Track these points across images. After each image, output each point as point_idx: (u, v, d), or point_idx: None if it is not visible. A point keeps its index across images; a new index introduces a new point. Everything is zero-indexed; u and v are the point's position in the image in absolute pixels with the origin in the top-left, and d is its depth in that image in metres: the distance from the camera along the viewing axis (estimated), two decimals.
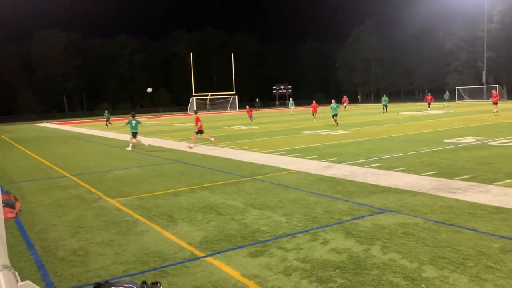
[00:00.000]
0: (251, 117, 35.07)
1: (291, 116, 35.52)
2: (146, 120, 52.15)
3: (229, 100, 76.92)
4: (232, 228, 6.43)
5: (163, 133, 27.66)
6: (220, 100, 76.28)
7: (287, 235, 5.96)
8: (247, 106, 36.88)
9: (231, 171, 11.54)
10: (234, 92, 74.25)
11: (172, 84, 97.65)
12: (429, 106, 43.00)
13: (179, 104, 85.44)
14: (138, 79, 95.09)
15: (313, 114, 33.84)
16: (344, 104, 51.25)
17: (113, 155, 17.08)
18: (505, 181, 8.57)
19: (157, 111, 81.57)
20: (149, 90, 14.35)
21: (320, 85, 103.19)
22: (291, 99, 41.64)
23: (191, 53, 70.92)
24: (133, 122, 18.75)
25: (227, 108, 76.47)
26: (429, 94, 44.61)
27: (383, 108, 38.19)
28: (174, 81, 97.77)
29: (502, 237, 5.43)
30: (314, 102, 34.04)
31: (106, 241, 6.21)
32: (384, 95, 40.79)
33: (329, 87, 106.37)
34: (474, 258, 4.81)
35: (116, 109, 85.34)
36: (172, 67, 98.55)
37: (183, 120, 46.46)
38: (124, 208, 8.07)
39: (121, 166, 13.73)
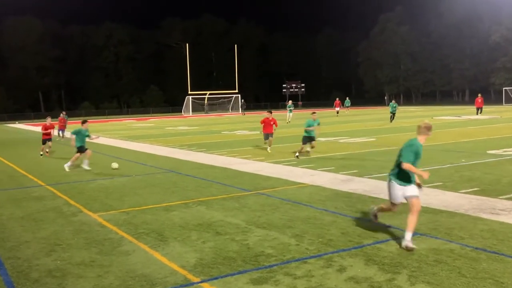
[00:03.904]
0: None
1: (302, 120, 35.67)
2: (134, 123, 52.46)
3: (231, 100, 77.18)
4: (232, 250, 6.46)
5: (154, 138, 27.82)
6: (221, 100, 76.53)
7: (296, 260, 5.98)
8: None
9: (232, 184, 11.59)
10: (237, 91, 74.54)
11: (165, 80, 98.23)
12: (479, 111, 40.19)
13: (172, 104, 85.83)
14: (126, 74, 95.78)
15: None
16: (337, 109, 50.37)
17: (96, 162, 17.16)
18: None
19: (147, 112, 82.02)
20: (114, 166, 14.40)
21: (338, 84, 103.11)
22: (290, 101, 40.52)
23: (187, 44, 71.35)
24: (82, 132, 15.21)
25: (229, 109, 76.74)
26: (480, 95, 42.47)
27: (391, 117, 34.35)
28: (167, 77, 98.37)
29: None
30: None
31: (86, 261, 6.26)
32: (393, 100, 36.59)
33: (349, 86, 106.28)
34: None
35: (100, 109, 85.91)
36: (165, 61, 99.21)
37: (177, 123, 46.69)
38: (107, 224, 8.13)
39: (105, 175, 13.82)
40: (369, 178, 11.72)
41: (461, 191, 9.72)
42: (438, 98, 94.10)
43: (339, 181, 11.47)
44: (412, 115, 43.41)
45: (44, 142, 19.83)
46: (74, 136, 15.25)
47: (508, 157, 14.46)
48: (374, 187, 10.47)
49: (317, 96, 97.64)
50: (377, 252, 6.17)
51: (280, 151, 17.95)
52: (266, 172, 13.16)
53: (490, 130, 24.82)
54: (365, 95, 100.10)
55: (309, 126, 16.38)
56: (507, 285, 5.00)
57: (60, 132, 28.73)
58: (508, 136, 21.38)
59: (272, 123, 18.04)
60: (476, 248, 6.19)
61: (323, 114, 54.23)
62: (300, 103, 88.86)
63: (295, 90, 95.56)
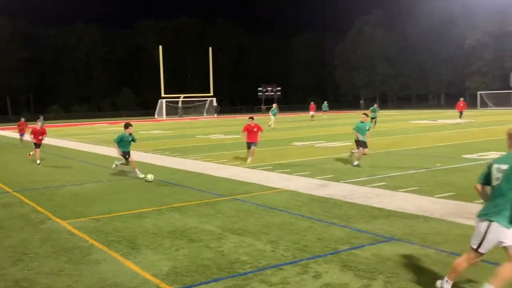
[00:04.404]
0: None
1: (277, 124, 35.83)
2: (106, 126, 51.91)
3: (206, 104, 76.99)
4: (207, 258, 6.44)
5: None
6: (196, 104, 76.26)
7: (272, 267, 5.99)
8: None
9: (207, 189, 11.57)
10: (212, 94, 74.42)
11: (138, 83, 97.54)
12: (460, 115, 39.70)
13: (146, 107, 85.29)
14: (98, 76, 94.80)
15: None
16: (312, 113, 50.20)
17: (65, 168, 16.94)
18: None
19: (119, 116, 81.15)
20: (150, 178, 12.88)
21: (315, 87, 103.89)
22: (275, 105, 40.11)
23: (160, 46, 70.96)
24: (124, 139, 14.25)
25: (204, 113, 76.52)
26: (462, 99, 42.00)
27: (372, 120, 31.61)
28: (141, 80, 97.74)
29: None
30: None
31: (55, 270, 6.17)
32: (375, 104, 35.89)
33: (325, 89, 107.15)
34: None
35: (70, 112, 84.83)
36: (139, 63, 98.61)
37: (150, 127, 46.37)
38: (77, 232, 8.03)
39: (75, 181, 13.66)
40: (345, 183, 11.83)
41: (436, 196, 9.87)
42: (414, 102, 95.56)
43: (315, 186, 11.55)
44: (389, 119, 43.97)
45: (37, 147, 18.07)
46: (116, 145, 14.01)
47: (483, 162, 14.74)
48: (350, 192, 10.58)
49: (293, 100, 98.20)
50: (353, 258, 6.22)
51: (256, 156, 17.95)
52: (242, 177, 13.17)
53: (465, 134, 25.31)
54: (341, 99, 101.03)
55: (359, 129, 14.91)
56: None
57: (21, 136, 27.60)
58: (483, 140, 21.83)
59: (255, 129, 16.24)
60: (452, 253, 6.29)
61: (298, 118, 54.59)
62: (263, 107, 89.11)
63: (271, 93, 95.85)
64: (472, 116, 45.44)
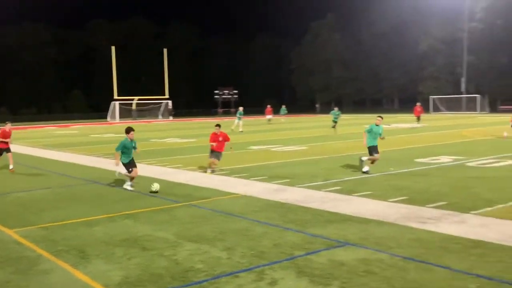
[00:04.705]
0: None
1: (238, 127, 35.83)
2: (56, 130, 50.59)
3: (161, 106, 76.24)
4: (160, 266, 6.35)
5: (77, 146, 26.93)
6: (150, 106, 75.39)
7: (227, 274, 5.97)
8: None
9: (161, 195, 11.44)
10: (167, 96, 73.75)
11: (90, 85, 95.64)
12: (418, 120, 40.23)
13: (98, 110, 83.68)
14: (47, 78, 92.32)
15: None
16: (268, 116, 50.32)
17: (11, 174, 16.39)
18: (484, 209, 9.06)
19: (70, 118, 79.33)
20: (155, 188, 11.73)
21: (271, 91, 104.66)
22: (241, 108, 39.58)
23: (113, 47, 69.82)
24: (127, 146, 12.89)
25: (158, 116, 75.73)
26: (419, 104, 42.23)
27: (333, 125, 32.30)
28: (93, 81, 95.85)
29: (479, 276, 5.72)
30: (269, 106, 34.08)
31: (1, 282, 5.99)
32: (336, 108, 34.60)
33: (282, 93, 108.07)
34: None
35: (17, 115, 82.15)
36: (90, 64, 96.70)
37: (103, 130, 45.48)
38: (24, 241, 7.78)
39: (23, 188, 13.24)
40: (300, 187, 11.93)
41: (389, 200, 10.08)
42: (368, 106, 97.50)
43: (272, 190, 11.60)
44: (344, 123, 44.63)
45: (0, 153, 16.65)
46: (119, 153, 12.60)
47: (435, 166, 15.19)
48: (306, 197, 10.67)
49: (250, 103, 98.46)
50: (309, 264, 6.27)
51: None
52: (198, 183, 13.08)
53: (417, 139, 25.99)
54: (297, 103, 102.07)
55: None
56: None
57: None
58: (435, 144, 22.47)
59: (221, 139, 14.68)
60: (405, 258, 6.43)
61: (255, 122, 54.74)
62: (220, 110, 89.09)
63: (228, 96, 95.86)
64: (425, 120, 46.70)
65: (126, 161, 12.57)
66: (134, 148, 12.85)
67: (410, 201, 9.89)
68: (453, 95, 73.24)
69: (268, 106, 52.01)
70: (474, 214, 8.73)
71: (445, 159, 16.71)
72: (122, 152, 12.60)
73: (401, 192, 10.92)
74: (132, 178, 12.56)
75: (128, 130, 12.79)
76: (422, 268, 6.04)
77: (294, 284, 5.60)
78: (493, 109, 72.17)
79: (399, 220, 8.42)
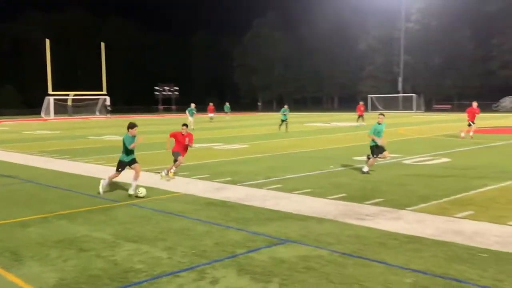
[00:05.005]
0: None
1: (174, 126, 35.45)
2: None
3: (98, 102, 74.35)
4: (98, 268, 6.23)
5: (8, 143, 25.89)
6: (87, 102, 73.35)
7: (167, 274, 5.93)
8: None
9: (99, 194, 11.18)
10: (105, 92, 72.02)
11: (23, 79, 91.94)
12: (360, 119, 39.68)
13: (31, 106, 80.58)
14: None
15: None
16: (211, 115, 49.83)
17: None
18: (419, 205, 9.43)
19: (1, 114, 75.96)
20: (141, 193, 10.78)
21: (214, 88, 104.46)
22: (193, 104, 38.64)
23: (47, 40, 67.43)
24: (129, 141, 11.61)
25: (96, 112, 73.85)
26: (362, 103, 42.58)
27: (282, 123, 31.30)
28: (25, 76, 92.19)
29: (414, 270, 5.95)
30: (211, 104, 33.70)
31: None
32: (286, 105, 33.19)
33: (225, 91, 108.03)
34: None
35: None
36: (23, 58, 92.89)
37: (36, 126, 43.90)
38: None
39: None
40: (242, 185, 11.99)
41: (329, 197, 10.31)
42: (309, 105, 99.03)
43: (213, 189, 11.59)
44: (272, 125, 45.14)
45: None
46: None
47: None
48: (247, 195, 10.74)
49: (192, 100, 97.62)
50: (250, 261, 6.33)
51: (157, 158, 17.65)
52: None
53: (356, 137, 26.67)
54: (240, 101, 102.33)
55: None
56: None
57: None
58: None
59: (187, 140, 13.23)
60: (344, 254, 6.61)
61: (197, 119, 54.39)
62: (161, 107, 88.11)
63: (169, 93, 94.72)
64: (365, 119, 47.95)
65: (130, 158, 11.44)
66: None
67: (349, 198, 10.15)
68: (390, 94, 75.64)
69: (210, 104, 51.60)
70: (410, 210, 9.07)
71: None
72: (126, 150, 11.37)
73: (341, 189, 11.19)
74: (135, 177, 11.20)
75: (132, 125, 11.54)
76: (360, 263, 6.23)
77: (235, 282, 5.64)
78: (428, 108, 75.02)
79: (338, 217, 8.63)
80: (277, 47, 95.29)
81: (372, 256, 6.51)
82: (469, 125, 23.79)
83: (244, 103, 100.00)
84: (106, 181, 11.45)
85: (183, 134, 13.22)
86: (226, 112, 54.22)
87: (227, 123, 43.84)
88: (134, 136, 11.45)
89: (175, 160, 13.27)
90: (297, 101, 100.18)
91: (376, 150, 13.68)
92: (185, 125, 13.42)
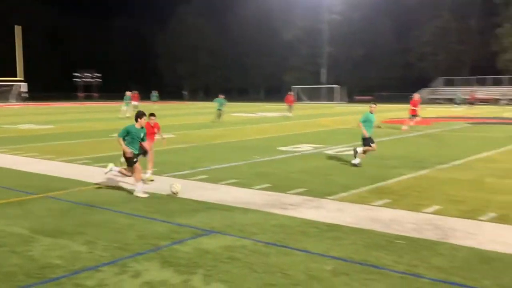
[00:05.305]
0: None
1: (97, 114, 34.51)
2: None
3: (12, 89, 70.72)
4: (12, 264, 5.98)
5: None
6: (1, 89, 69.62)
7: (88, 269, 5.79)
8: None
9: (14, 186, 10.71)
10: (20, 78, 68.52)
11: None
12: (289, 109, 38.76)
13: None
14: None
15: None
16: (135, 103, 48.19)
17: None
18: (340, 194, 9.75)
19: None
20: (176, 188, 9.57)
21: (138, 76, 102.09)
22: (128, 92, 36.69)
23: None
24: (134, 133, 10.23)
25: (10, 99, 70.24)
26: (291, 93, 41.35)
27: (218, 113, 31.16)
28: None
29: (334, 257, 6.17)
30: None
31: None
32: (221, 95, 32.88)
33: (150, 79, 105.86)
34: (305, 284, 5.36)
35: None
36: None
37: None
38: None
39: None
40: (167, 176, 11.89)
41: (254, 187, 10.44)
42: (235, 95, 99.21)
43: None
44: (212, 111, 45.07)
45: None
46: (121, 141, 10.00)
47: (297, 154, 16.00)
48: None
49: (115, 88, 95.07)
50: (174, 254, 6.31)
51: (72, 149, 17.08)
52: (57, 173, 12.43)
53: (281, 127, 27.12)
54: (165, 89, 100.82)
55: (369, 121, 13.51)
56: (293, 276, 5.54)
57: None
58: (297, 133, 23.64)
59: (156, 130, 11.89)
60: (267, 243, 6.73)
61: (120, 107, 53.13)
62: (81, 94, 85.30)
63: (90, 80, 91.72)
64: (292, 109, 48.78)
65: (136, 152, 10.15)
66: (143, 139, 10.29)
67: (273, 188, 10.32)
68: (314, 86, 77.29)
69: (135, 92, 50.21)
70: (331, 199, 9.37)
71: (305, 147, 17.64)
72: (132, 142, 10.09)
73: (265, 179, 11.35)
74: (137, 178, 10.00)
75: (141, 114, 10.27)
76: (283, 252, 6.38)
77: (158, 275, 5.61)
78: (351, 99, 77.37)
79: (263, 207, 8.76)
80: (202, 36, 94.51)
81: (294, 244, 6.68)
82: (413, 117, 24.63)
83: (169, 91, 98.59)
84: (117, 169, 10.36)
85: (151, 125, 11.69)
86: (154, 101, 53.07)
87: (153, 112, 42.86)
88: (142, 128, 10.31)
89: (144, 155, 11.06)
90: (224, 91, 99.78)
91: (366, 140, 13.49)
92: (153, 114, 11.81)
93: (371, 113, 13.62)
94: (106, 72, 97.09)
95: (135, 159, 9.89)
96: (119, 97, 78.67)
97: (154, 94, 53.43)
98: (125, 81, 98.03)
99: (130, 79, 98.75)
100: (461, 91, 55.04)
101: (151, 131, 11.52)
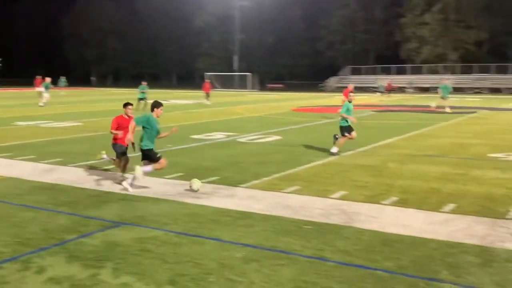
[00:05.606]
0: None
1: (3, 100, 32.61)
2: None
3: None
4: None
5: None
6: None
7: None
8: None
9: None
10: None
11: None
12: (206, 97, 39.22)
13: None
14: None
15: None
16: (39, 89, 45.34)
17: None
18: (252, 182, 9.89)
19: None
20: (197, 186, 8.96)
21: (42, 61, 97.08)
22: (48, 78, 34.36)
23: None
24: (152, 124, 9.35)
25: None
26: (208, 81, 41.81)
27: (140, 101, 29.44)
28: None
29: (245, 245, 6.27)
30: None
31: None
32: (144, 82, 32.53)
33: (55, 63, 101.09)
34: (216, 272, 5.41)
35: None
36: None
37: None
38: None
39: None
40: (74, 166, 11.50)
41: (166, 177, 10.34)
42: (146, 81, 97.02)
43: (41, 171, 10.91)
44: (124, 98, 43.87)
45: None
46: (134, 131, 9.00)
47: (209, 142, 16.00)
48: (80, 177, 10.34)
49: (17, 73, 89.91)
50: (81, 248, 6.13)
51: None
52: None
53: (194, 115, 26.98)
54: (71, 74, 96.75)
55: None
56: (205, 265, 5.57)
57: None
58: (210, 121, 23.64)
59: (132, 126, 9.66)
60: (179, 233, 6.71)
61: (23, 94, 50.48)
62: None
63: None
64: (201, 97, 48.53)
65: (151, 146, 9.38)
66: (158, 132, 9.40)
67: (186, 177, 10.22)
68: (227, 73, 77.35)
69: (38, 77, 47.51)
70: (243, 187, 9.48)
71: (218, 135, 17.69)
72: (147, 134, 9.31)
73: (177, 168, 11.25)
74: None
75: (157, 104, 9.41)
76: (195, 241, 6.39)
77: (64, 270, 5.42)
78: (262, 87, 78.30)
79: (175, 197, 8.70)
80: (111, 19, 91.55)
81: (206, 233, 6.70)
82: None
83: (76, 77, 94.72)
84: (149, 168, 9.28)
85: (126, 119, 10.22)
86: (61, 87, 50.65)
87: (57, 99, 41.08)
88: (157, 120, 9.43)
89: (122, 155, 10.27)
90: (134, 76, 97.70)
91: (346, 129, 13.50)
92: (130, 104, 10.47)
93: (350, 102, 13.87)
94: (8, 56, 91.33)
95: (158, 154, 9.33)
96: (21, 82, 74.85)
97: (62, 79, 51.18)
98: (28, 66, 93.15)
99: (33, 63, 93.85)
100: (380, 80, 56.93)
101: (126, 124, 10.01)
